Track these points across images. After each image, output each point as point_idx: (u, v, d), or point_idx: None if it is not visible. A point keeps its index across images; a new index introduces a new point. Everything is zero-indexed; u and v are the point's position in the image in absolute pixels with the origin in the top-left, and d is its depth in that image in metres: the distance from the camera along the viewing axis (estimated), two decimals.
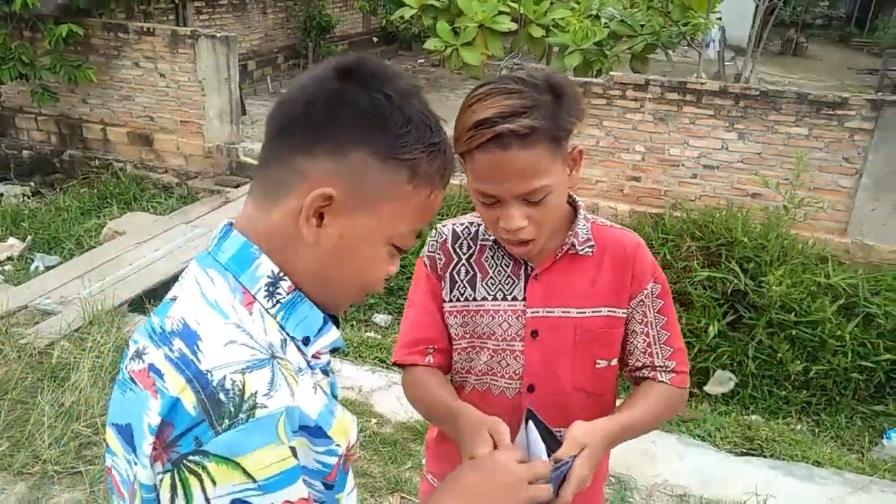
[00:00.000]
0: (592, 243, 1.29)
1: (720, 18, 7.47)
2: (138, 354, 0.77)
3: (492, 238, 1.31)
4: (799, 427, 3.90)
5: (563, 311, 1.29)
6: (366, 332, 4.64)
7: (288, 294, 0.82)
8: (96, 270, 4.67)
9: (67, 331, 3.81)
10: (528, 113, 1.08)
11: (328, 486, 0.81)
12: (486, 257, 1.32)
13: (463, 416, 1.19)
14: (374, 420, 3.30)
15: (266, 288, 0.81)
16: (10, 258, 5.46)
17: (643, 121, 5.47)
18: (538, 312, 1.29)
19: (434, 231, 1.37)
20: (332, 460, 0.80)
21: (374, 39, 12.66)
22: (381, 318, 5.03)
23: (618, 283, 1.29)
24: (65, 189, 6.85)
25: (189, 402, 0.69)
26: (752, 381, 4.18)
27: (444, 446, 1.39)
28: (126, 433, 0.75)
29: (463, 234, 1.35)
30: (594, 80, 5.52)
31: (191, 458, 0.68)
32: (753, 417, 3.84)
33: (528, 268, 1.30)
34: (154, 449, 0.70)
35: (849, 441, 3.88)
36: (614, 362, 1.34)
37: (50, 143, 7.49)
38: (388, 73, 0.83)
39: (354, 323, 4.86)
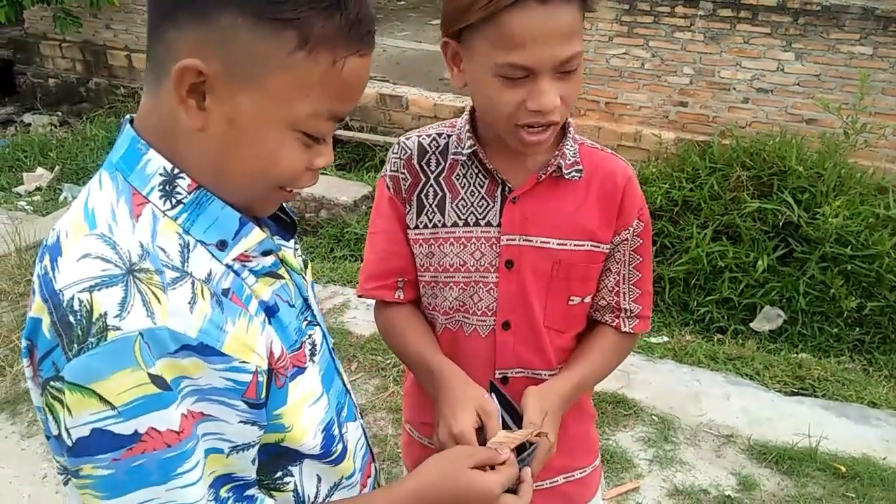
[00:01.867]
0: (581, 168, 1.14)
1: None
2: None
3: (465, 152, 1.13)
4: (851, 366, 3.72)
5: (542, 241, 1.14)
6: None
7: (189, 193, 0.72)
8: None
9: None
10: None
11: (254, 405, 0.72)
12: (458, 175, 1.15)
13: (446, 381, 1.09)
14: None
15: (160, 188, 0.71)
16: (38, 188, 5.43)
17: (693, 40, 5.11)
18: (514, 240, 1.14)
19: (396, 145, 1.19)
20: (244, 377, 0.70)
21: None
22: None
23: (604, 217, 1.16)
24: (91, 118, 6.76)
25: (46, 323, 0.64)
26: (801, 318, 3.99)
27: (424, 395, 1.26)
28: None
29: (431, 148, 1.17)
30: None
31: (52, 383, 0.64)
32: (803, 356, 3.67)
33: (506, 189, 1.13)
34: (31, 369, 0.68)
35: None
36: (588, 299, 1.21)
37: (75, 70, 7.36)
38: None
39: None
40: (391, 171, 1.19)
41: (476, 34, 0.97)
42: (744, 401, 3.07)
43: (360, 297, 1.26)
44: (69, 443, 0.64)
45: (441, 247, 1.17)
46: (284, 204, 0.85)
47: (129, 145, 0.72)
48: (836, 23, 4.79)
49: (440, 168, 1.17)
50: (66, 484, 0.74)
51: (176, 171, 0.71)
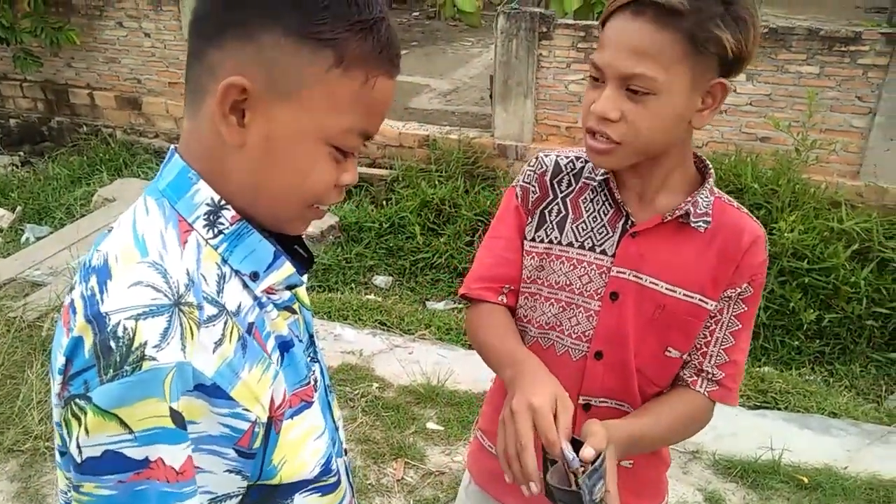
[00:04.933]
0: (709, 219, 1.12)
1: None
2: (71, 288, 0.73)
3: (598, 178, 1.16)
4: (812, 377, 3.80)
5: (651, 281, 1.13)
6: (366, 294, 4.53)
7: (232, 224, 0.75)
8: (86, 239, 4.54)
9: (57, 302, 3.70)
10: None
11: (246, 454, 0.73)
12: (585, 199, 1.18)
13: (532, 369, 1.04)
14: (375, 384, 3.21)
15: (206, 217, 0.75)
16: (0, 229, 5.35)
17: None
18: (624, 273, 1.14)
19: (534, 159, 1.23)
20: (242, 425, 0.72)
21: None
22: (381, 280, 4.91)
23: (719, 272, 1.13)
24: (54, 157, 6.70)
25: (87, 343, 0.65)
26: (763, 332, 4.07)
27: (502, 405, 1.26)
28: (51, 366, 0.73)
29: (566, 169, 1.20)
30: (596, 22, 5.27)
31: (77, 400, 0.65)
32: (766, 369, 3.74)
33: (629, 222, 1.14)
34: (59, 385, 0.68)
35: (864, 390, 3.79)
36: (685, 356, 1.18)
37: (37, 110, 7.30)
38: None
39: (354, 285, 4.75)
40: (523, 181, 1.22)
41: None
42: None
43: (462, 295, 1.27)
44: (78, 460, 0.66)
45: (552, 263, 1.19)
46: (304, 239, 0.89)
47: (178, 173, 0.75)
48: (784, 44, 4.96)
49: (570, 189, 1.19)
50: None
51: (222, 202, 0.75)
